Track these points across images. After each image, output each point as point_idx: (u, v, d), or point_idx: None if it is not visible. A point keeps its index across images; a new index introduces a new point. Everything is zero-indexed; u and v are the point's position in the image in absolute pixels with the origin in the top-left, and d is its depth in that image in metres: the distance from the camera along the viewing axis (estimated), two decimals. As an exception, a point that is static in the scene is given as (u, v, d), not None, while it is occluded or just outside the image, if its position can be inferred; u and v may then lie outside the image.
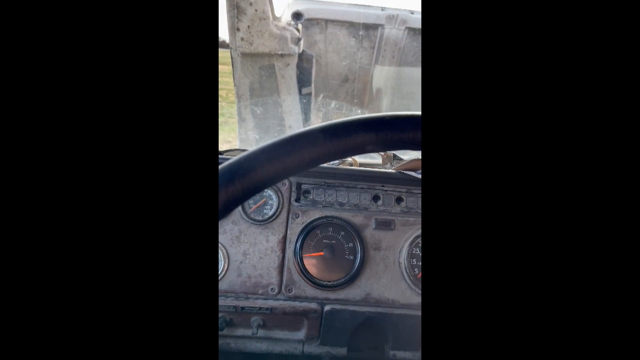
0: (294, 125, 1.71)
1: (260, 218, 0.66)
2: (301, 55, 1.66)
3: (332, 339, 0.68)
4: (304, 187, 0.68)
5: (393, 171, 0.68)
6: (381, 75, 1.76)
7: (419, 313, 0.66)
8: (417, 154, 0.70)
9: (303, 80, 1.70)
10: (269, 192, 0.68)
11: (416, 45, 1.65)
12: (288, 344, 0.69)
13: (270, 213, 0.67)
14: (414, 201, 0.69)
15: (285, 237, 0.66)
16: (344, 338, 0.68)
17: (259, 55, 1.62)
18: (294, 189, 0.68)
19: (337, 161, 0.72)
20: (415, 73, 1.60)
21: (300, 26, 1.56)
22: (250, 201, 0.67)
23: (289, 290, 0.65)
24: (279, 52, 1.61)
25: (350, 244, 0.67)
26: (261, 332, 0.68)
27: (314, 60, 1.77)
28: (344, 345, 0.69)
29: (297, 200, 0.68)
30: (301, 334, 0.68)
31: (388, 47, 1.74)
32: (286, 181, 0.68)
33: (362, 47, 1.77)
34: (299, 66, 1.66)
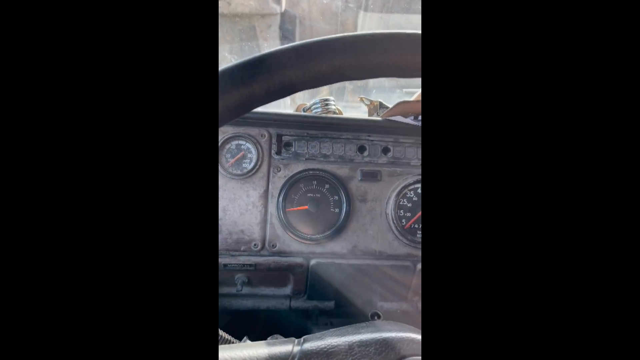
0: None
1: (239, 172, 0.63)
2: (283, 16, 1.56)
3: (319, 293, 0.67)
4: (284, 139, 0.64)
5: (379, 119, 0.65)
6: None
7: (407, 263, 0.65)
8: (403, 98, 0.66)
9: (287, 43, 1.60)
10: (247, 144, 0.64)
11: (404, 5, 1.57)
12: (275, 299, 0.68)
13: (250, 167, 0.63)
14: (401, 151, 0.66)
15: (267, 192, 0.63)
16: (331, 291, 0.67)
17: (238, 16, 1.52)
18: (274, 141, 0.64)
19: (319, 109, 0.68)
20: (407, 24, 1.53)
21: (281, -17, 1.46)
22: (228, 155, 0.63)
23: (272, 245, 0.62)
24: (260, 12, 1.52)
25: (336, 197, 0.64)
26: (246, 289, 0.66)
27: (298, 21, 1.67)
28: (331, 299, 0.68)
29: (278, 153, 0.64)
30: (287, 290, 0.67)
31: (375, 7, 1.65)
32: (265, 132, 0.63)
33: (348, 7, 1.67)
34: (281, 28, 1.57)
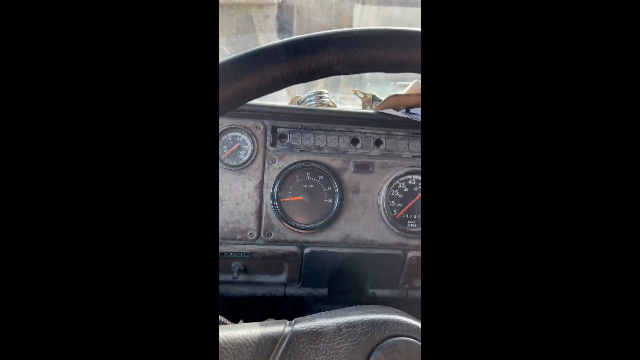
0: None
1: (234, 163, 0.64)
2: (281, 6, 1.55)
3: (312, 280, 0.69)
4: (279, 131, 0.66)
5: (372, 112, 0.66)
6: (367, 25, 1.67)
7: (397, 252, 0.67)
8: (395, 91, 0.67)
9: (284, 34, 1.59)
10: (242, 136, 0.65)
11: (402, -4, 1.56)
12: (270, 287, 0.70)
13: (245, 158, 0.64)
14: (393, 143, 0.68)
15: (262, 183, 0.65)
16: (324, 279, 0.69)
17: (234, 6, 1.50)
18: (269, 133, 0.65)
19: (313, 102, 0.69)
20: (404, 15, 1.52)
21: (278, -29, 1.44)
22: (224, 146, 0.65)
23: (267, 234, 0.64)
24: (257, 2, 1.50)
25: (329, 188, 0.66)
26: (242, 277, 0.68)
27: (295, 12, 1.65)
28: (324, 286, 0.71)
29: (273, 144, 0.65)
30: (282, 277, 0.69)
31: (373, -2, 1.63)
32: (260, 125, 0.65)
33: (346, -3, 1.65)
34: (279, 18, 1.56)
